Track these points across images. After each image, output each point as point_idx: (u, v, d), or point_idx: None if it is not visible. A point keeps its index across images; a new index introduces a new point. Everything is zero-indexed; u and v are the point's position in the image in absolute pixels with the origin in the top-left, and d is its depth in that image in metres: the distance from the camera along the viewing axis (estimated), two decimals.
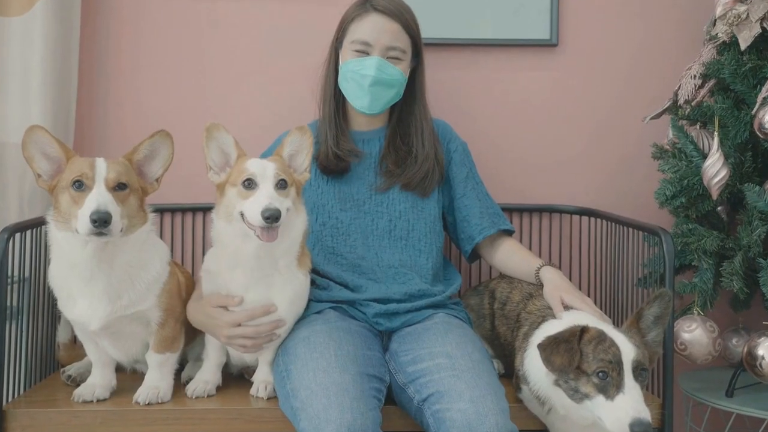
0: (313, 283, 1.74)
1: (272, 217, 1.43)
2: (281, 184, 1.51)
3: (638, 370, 1.37)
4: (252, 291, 1.56)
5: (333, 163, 1.78)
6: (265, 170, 1.50)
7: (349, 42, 1.76)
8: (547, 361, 1.40)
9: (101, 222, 1.37)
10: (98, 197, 1.40)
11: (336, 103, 1.83)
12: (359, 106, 1.78)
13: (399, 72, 1.75)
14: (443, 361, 1.50)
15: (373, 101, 1.76)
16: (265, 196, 1.46)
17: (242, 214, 1.49)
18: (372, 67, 1.72)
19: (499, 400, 1.42)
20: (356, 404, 1.39)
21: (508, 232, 1.90)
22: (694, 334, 1.79)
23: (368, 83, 1.73)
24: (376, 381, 1.52)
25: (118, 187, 1.45)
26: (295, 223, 1.56)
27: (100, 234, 1.38)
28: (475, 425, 1.36)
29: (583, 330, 1.41)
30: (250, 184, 1.49)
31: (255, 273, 1.54)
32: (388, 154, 1.81)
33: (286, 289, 1.58)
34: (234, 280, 1.56)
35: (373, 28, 1.74)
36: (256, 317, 1.56)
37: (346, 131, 1.83)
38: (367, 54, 1.74)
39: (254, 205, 1.46)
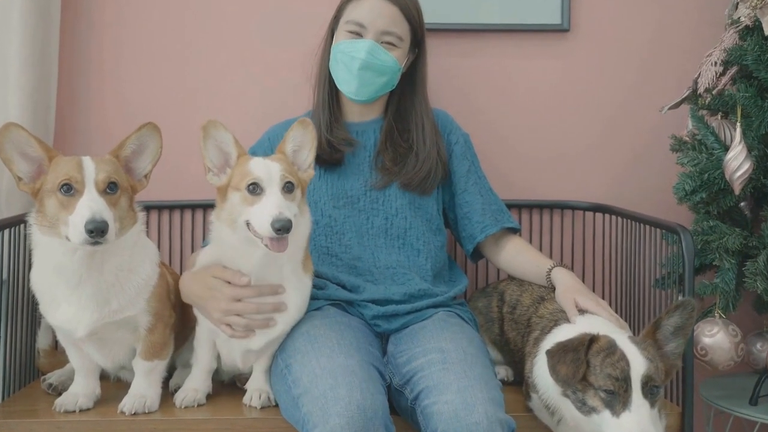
0: None
1: (284, 229, 1.41)
2: (288, 187, 1.49)
3: (648, 386, 1.36)
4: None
5: (326, 153, 1.78)
6: (270, 173, 1.47)
7: (344, 22, 1.77)
8: (553, 369, 1.40)
9: (98, 232, 1.35)
10: (92, 204, 1.38)
11: (330, 89, 1.83)
12: (346, 90, 1.78)
13: (392, 59, 1.75)
14: (435, 356, 1.51)
15: (360, 86, 1.75)
16: (274, 205, 1.43)
17: (248, 223, 1.48)
18: (363, 50, 1.72)
19: (490, 389, 1.42)
20: (365, 385, 1.40)
21: (514, 230, 1.89)
22: (716, 338, 1.78)
23: (357, 66, 1.73)
24: (380, 374, 1.53)
25: (109, 189, 1.43)
26: (300, 225, 1.54)
27: (95, 243, 1.37)
28: (463, 416, 1.36)
29: (593, 339, 1.41)
30: (255, 188, 1.47)
31: (259, 281, 1.54)
32: (384, 150, 1.81)
33: (293, 296, 1.57)
34: None
35: (371, 10, 1.74)
36: (263, 295, 1.54)
37: (340, 120, 1.83)
38: (361, 36, 1.74)
39: (262, 214, 1.43)
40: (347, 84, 1.77)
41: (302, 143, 1.59)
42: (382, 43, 1.74)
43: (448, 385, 1.42)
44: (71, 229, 1.37)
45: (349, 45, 1.74)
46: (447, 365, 1.47)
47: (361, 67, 1.73)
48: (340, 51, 1.75)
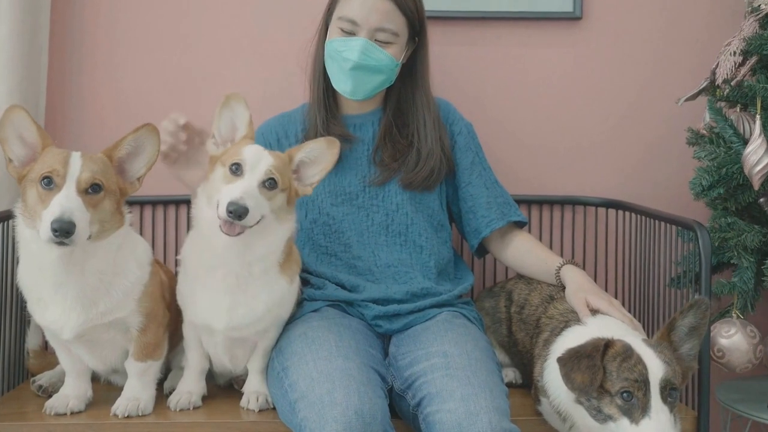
0: (307, 282, 1.75)
1: (235, 213, 1.41)
2: (269, 184, 1.49)
3: (667, 389, 1.36)
4: (221, 284, 1.53)
5: None
6: (258, 161, 1.48)
7: (336, 18, 1.74)
8: (567, 378, 1.39)
9: (62, 232, 1.34)
10: (65, 202, 1.37)
11: (325, 83, 1.81)
12: (342, 90, 1.77)
13: (388, 57, 1.73)
14: (438, 361, 1.50)
15: (356, 87, 1.74)
16: (239, 188, 1.44)
17: (218, 204, 1.47)
18: (355, 50, 1.70)
19: (495, 397, 1.42)
20: (364, 389, 1.40)
21: (521, 225, 1.88)
22: (733, 339, 1.78)
23: (349, 67, 1.71)
24: (380, 377, 1.53)
25: (92, 189, 1.42)
26: (275, 231, 1.53)
27: (60, 243, 1.36)
28: (466, 425, 1.36)
29: (607, 344, 1.40)
30: (237, 169, 1.48)
31: (226, 269, 1.53)
32: (383, 146, 1.80)
33: (263, 295, 1.56)
34: (204, 270, 1.55)
35: (362, 5, 1.70)
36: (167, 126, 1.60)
37: (336, 115, 1.82)
38: (354, 34, 1.72)
39: (227, 194, 1.44)
40: (342, 84, 1.75)
41: (317, 159, 1.58)
42: (376, 40, 1.71)
43: (451, 392, 1.42)
44: (42, 224, 1.37)
45: (342, 44, 1.72)
46: (450, 371, 1.47)
47: (354, 67, 1.71)
48: (334, 49, 1.73)
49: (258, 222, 1.47)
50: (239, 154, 1.49)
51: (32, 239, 1.45)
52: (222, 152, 1.54)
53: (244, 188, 1.44)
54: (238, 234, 1.45)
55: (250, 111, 1.56)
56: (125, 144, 1.51)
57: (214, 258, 1.53)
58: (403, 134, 1.81)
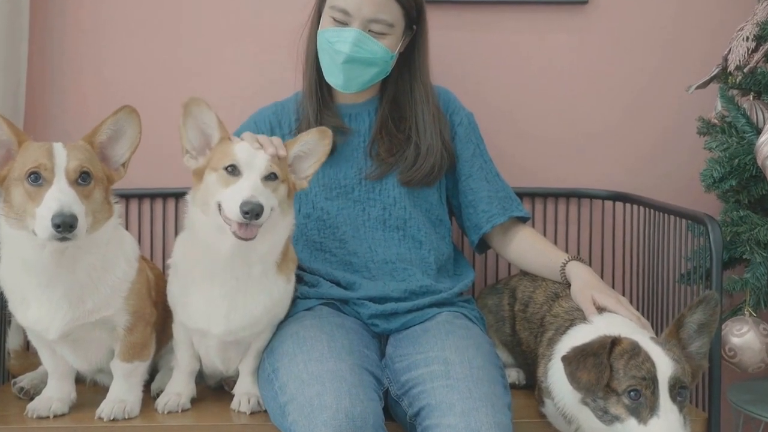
0: (301, 280, 1.75)
1: (252, 213, 1.41)
2: (271, 177, 1.49)
3: (676, 388, 1.36)
4: (219, 289, 1.54)
5: None
6: (254, 158, 1.48)
7: (329, 6, 1.73)
8: (572, 377, 1.39)
9: (66, 227, 1.34)
10: (60, 196, 1.37)
11: (318, 73, 1.80)
12: (333, 83, 1.76)
13: (382, 48, 1.71)
14: (438, 368, 1.50)
15: (348, 80, 1.73)
16: (248, 187, 1.44)
17: (219, 206, 1.47)
18: (347, 42, 1.69)
19: (497, 412, 1.42)
20: (355, 391, 1.40)
21: (523, 220, 1.88)
22: (745, 338, 1.78)
23: (341, 60, 1.70)
24: (375, 378, 1.53)
25: (82, 179, 1.42)
26: (279, 226, 1.54)
27: (63, 239, 1.36)
28: None
29: (614, 342, 1.40)
30: (233, 170, 1.47)
31: (227, 274, 1.53)
32: (379, 139, 1.79)
33: (261, 296, 1.56)
34: (200, 275, 1.55)
35: None
36: None
37: (330, 105, 1.81)
38: (347, 24, 1.70)
39: (234, 195, 1.44)
40: (334, 77, 1.75)
41: (311, 152, 1.59)
42: (369, 31, 1.70)
43: (451, 405, 1.42)
44: (38, 222, 1.36)
45: (334, 34, 1.71)
46: (451, 381, 1.46)
47: (346, 60, 1.70)
48: (326, 40, 1.72)
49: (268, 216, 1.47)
50: (231, 155, 1.48)
51: (18, 239, 1.44)
52: (205, 161, 1.53)
53: (252, 185, 1.44)
54: (254, 236, 1.44)
55: (214, 110, 1.53)
56: (105, 128, 1.50)
57: (216, 264, 1.53)
58: (401, 128, 1.80)
